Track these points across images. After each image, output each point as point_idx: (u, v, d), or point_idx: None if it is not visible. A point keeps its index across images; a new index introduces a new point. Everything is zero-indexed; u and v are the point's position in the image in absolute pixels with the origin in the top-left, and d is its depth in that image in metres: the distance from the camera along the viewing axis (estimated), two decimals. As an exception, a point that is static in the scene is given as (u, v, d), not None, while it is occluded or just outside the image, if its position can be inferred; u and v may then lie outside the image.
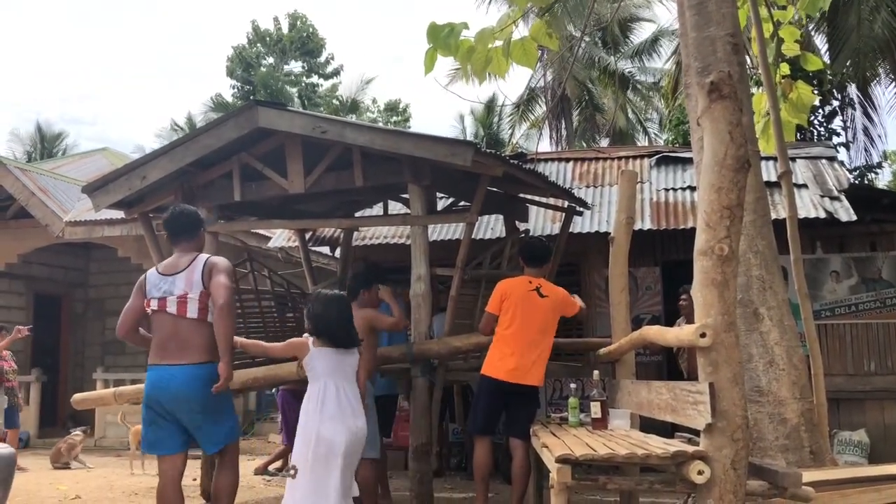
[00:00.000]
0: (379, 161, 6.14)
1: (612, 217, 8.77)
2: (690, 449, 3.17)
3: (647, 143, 23.07)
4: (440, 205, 8.00)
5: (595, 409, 4.51)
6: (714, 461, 3.11)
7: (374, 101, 31.49)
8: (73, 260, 14.32)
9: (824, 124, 17.39)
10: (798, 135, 12.33)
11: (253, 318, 7.54)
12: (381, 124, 24.54)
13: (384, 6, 63.63)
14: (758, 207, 4.97)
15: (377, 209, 9.02)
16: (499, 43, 6.08)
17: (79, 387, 13.76)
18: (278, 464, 8.56)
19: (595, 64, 23.47)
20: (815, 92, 8.33)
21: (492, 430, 5.26)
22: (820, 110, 16.77)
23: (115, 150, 17.37)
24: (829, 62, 14.91)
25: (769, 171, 8.04)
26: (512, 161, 6.68)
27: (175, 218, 4.77)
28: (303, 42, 30.15)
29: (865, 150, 18.20)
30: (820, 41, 15.75)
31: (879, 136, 18.17)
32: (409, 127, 28.60)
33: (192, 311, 4.39)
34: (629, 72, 24.55)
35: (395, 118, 30.78)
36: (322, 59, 30.83)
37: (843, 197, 8.24)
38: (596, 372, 4.74)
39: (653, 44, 23.91)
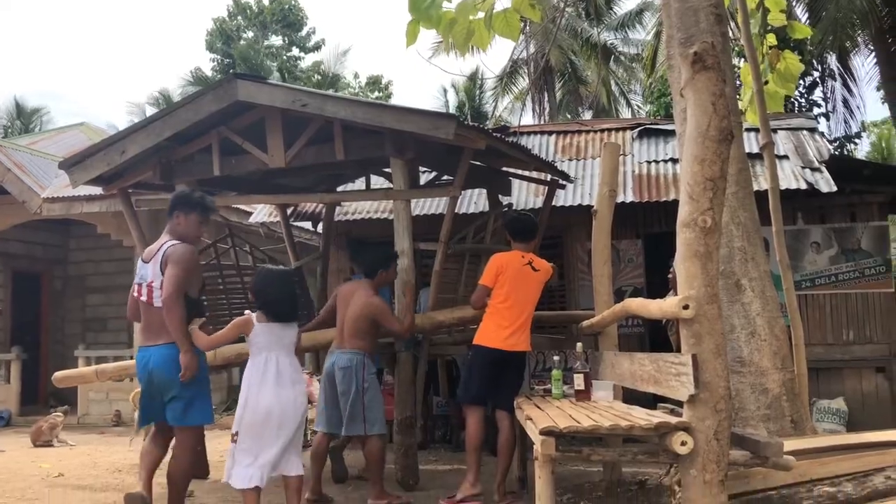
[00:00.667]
0: (360, 135, 6.08)
1: (594, 190, 8.76)
2: (673, 420, 3.19)
3: (630, 116, 23.06)
4: (423, 179, 7.96)
5: (578, 381, 4.54)
6: (697, 432, 3.14)
7: (355, 75, 31.27)
8: (52, 237, 14.15)
9: (805, 95, 17.45)
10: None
11: (236, 295, 7.50)
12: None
13: (365, -22, 62.90)
14: (740, 179, 4.98)
15: (359, 184, 8.96)
16: (481, 14, 6.01)
17: (60, 364, 13.62)
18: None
19: (578, 35, 23.35)
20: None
21: (484, 400, 5.28)
22: (801, 81, 16.82)
23: (92, 125, 17.10)
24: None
25: (751, 143, 8.06)
26: (495, 134, 6.64)
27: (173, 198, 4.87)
28: (284, 15, 29.76)
29: (845, 121, 18.33)
30: (800, 11, 15.73)
31: (858, 107, 18.30)
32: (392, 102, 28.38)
33: (157, 300, 4.51)
34: (612, 43, 24.46)
35: (376, 93, 30.55)
36: (303, 32, 30.46)
37: (823, 168, 8.28)
38: (579, 344, 4.76)
39: (637, 15, 23.81)
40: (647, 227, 8.98)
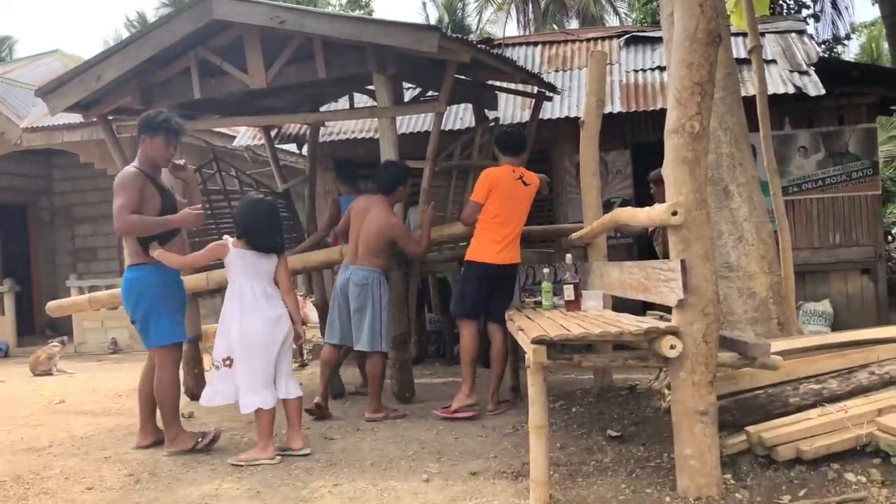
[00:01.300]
0: (342, 51, 5.95)
1: (582, 101, 8.64)
2: (662, 325, 3.24)
3: (617, 24, 22.60)
4: (407, 96, 7.84)
5: (568, 292, 4.58)
6: (685, 336, 3.20)
7: (335, -7, 30.30)
8: (35, 168, 13.97)
9: (793, -4, 17.12)
10: (769, 8, 12.10)
11: (224, 220, 7.46)
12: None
13: None
14: (728, 84, 4.92)
15: (343, 103, 8.83)
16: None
17: (53, 295, 13.68)
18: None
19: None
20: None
21: (479, 314, 5.35)
22: (789, -18, 16.48)
23: (67, 53, 16.67)
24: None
25: (738, 48, 7.93)
26: (479, 46, 6.51)
27: None
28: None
29: (833, 22, 18.02)
30: None
31: (847, 8, 17.97)
32: (372, 17, 27.64)
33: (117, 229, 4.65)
34: (597, -52, 23.80)
35: (358, 11, 29.72)
36: (279, -53, 29.35)
37: (811, 71, 8.19)
38: (569, 255, 4.78)
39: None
40: (636, 137, 8.92)
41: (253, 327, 4.37)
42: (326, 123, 9.09)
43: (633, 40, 9.71)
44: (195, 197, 4.98)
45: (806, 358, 3.85)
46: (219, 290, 7.70)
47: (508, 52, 9.75)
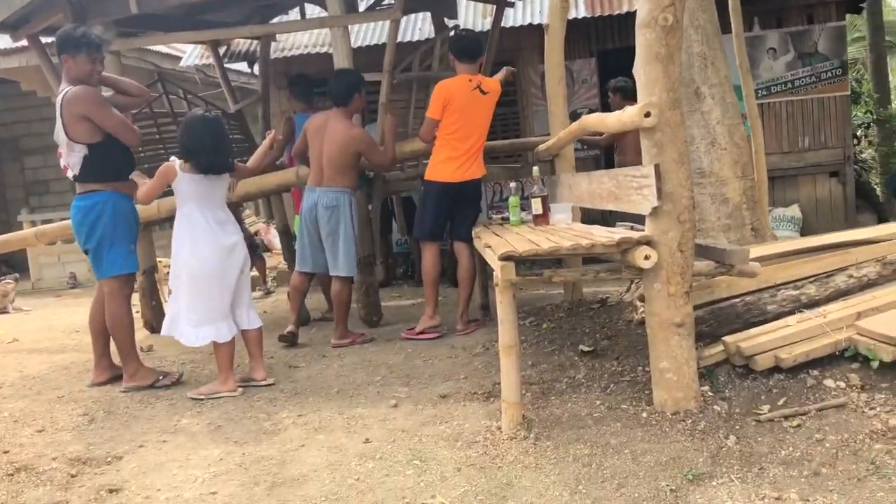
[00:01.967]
0: (288, -45, 5.53)
1: (545, 8, 8.30)
2: (636, 234, 3.07)
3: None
4: (362, 7, 7.41)
5: (536, 206, 4.39)
6: (660, 245, 3.03)
7: None
8: (-26, 99, 13.29)
9: None
10: None
11: (173, 144, 7.09)
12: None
13: None
14: (699, -22, 4.64)
15: (294, 16, 8.36)
16: None
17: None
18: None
19: None
20: None
21: (440, 234, 5.15)
22: None
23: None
24: None
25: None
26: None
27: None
28: None
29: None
30: None
31: None
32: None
33: (70, 172, 4.46)
34: None
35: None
36: None
37: (781, -33, 7.89)
38: (535, 168, 4.57)
39: None
40: (601, 44, 8.61)
41: (207, 255, 4.14)
42: (278, 38, 8.65)
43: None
44: (125, 83, 4.77)
45: (783, 264, 3.72)
46: (171, 219, 7.44)
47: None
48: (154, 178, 4.31)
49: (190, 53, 9.43)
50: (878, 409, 2.97)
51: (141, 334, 6.16)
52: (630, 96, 7.01)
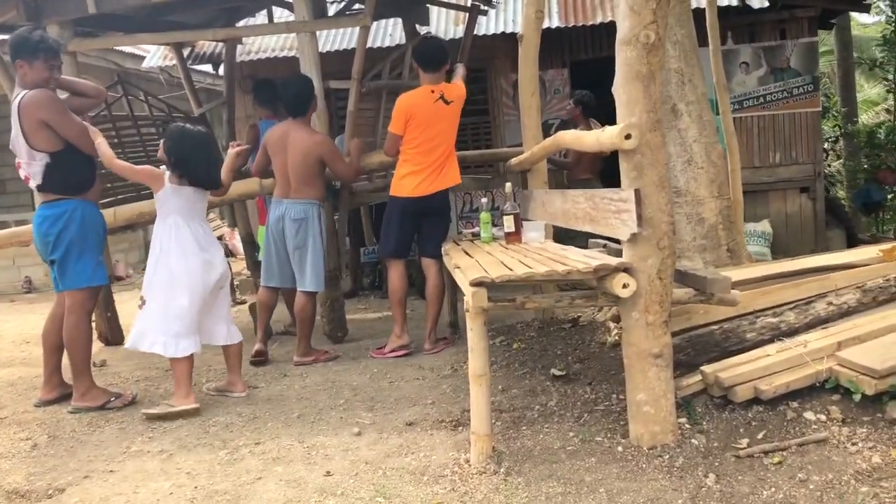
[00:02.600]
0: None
1: (519, 16, 8.19)
2: (614, 261, 2.93)
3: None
4: (332, 11, 7.22)
5: (508, 223, 4.25)
6: (638, 272, 2.90)
7: None
8: (-73, 95, 12.81)
9: None
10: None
11: (133, 148, 6.83)
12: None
13: None
14: (676, -8, 4.54)
15: (261, 18, 8.15)
16: None
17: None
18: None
19: None
20: None
21: (405, 252, 4.97)
22: None
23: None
24: None
25: (682, -43, 7.52)
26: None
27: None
28: None
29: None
30: None
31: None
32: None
33: (32, 182, 4.24)
34: None
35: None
36: None
37: (755, -18, 7.86)
38: (508, 184, 4.43)
39: None
40: (574, 55, 8.51)
41: (189, 268, 4.02)
42: (244, 41, 8.43)
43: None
44: (80, 85, 4.53)
45: (762, 289, 3.62)
46: (129, 227, 7.18)
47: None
48: (138, 169, 4.25)
49: (153, 54, 9.16)
50: (860, 444, 2.87)
51: (95, 346, 5.90)
52: (590, 111, 6.99)
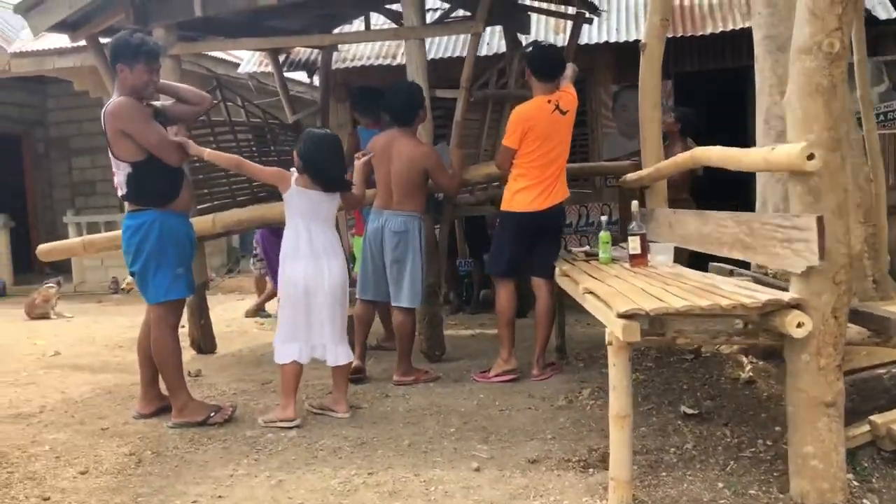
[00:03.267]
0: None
1: (622, 25, 7.90)
2: (786, 297, 2.61)
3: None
4: (429, 18, 7.04)
5: (634, 244, 3.95)
6: (812, 309, 2.57)
7: None
8: (28, 96, 13.21)
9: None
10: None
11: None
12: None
13: None
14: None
15: (357, 26, 8.04)
16: None
17: (51, 230, 13.12)
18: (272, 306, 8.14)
19: None
20: None
21: (517, 271, 4.72)
22: None
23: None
24: None
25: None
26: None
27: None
28: None
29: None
30: None
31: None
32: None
33: (119, 192, 4.15)
34: None
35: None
36: None
37: (882, -8, 7.37)
38: (635, 203, 4.12)
39: None
40: (679, 66, 8.11)
41: (302, 273, 3.98)
42: (339, 48, 8.33)
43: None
44: (184, 91, 4.43)
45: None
46: (226, 234, 7.12)
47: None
48: (266, 168, 4.28)
49: (248, 60, 9.14)
50: None
51: (188, 355, 5.83)
52: (689, 130, 6.64)
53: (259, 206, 5.73)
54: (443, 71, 7.22)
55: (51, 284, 9.06)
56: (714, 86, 8.53)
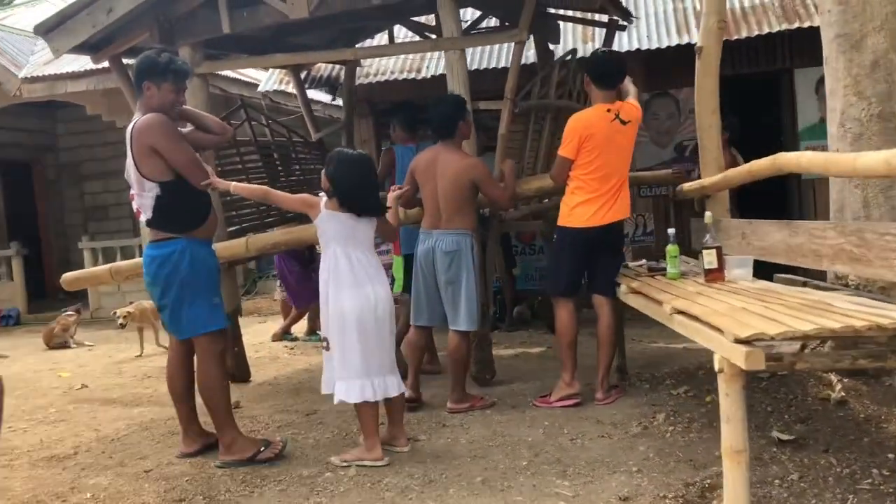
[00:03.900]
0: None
1: (652, 32, 7.68)
2: (926, 316, 2.36)
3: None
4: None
5: (710, 258, 3.69)
6: (954, 329, 2.32)
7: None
8: (38, 122, 13.03)
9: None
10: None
11: (256, 174, 6.54)
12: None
13: None
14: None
15: (377, 40, 7.83)
16: None
17: (64, 257, 12.92)
18: (299, 329, 7.91)
19: None
20: None
21: (577, 289, 4.46)
22: None
23: (63, -3, 15.49)
24: None
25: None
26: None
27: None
28: None
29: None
30: None
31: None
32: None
33: (143, 217, 3.91)
34: None
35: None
36: None
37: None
38: (708, 213, 3.88)
39: None
40: (712, 72, 7.88)
41: (349, 304, 3.67)
42: (362, 63, 8.12)
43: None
44: (207, 119, 4.19)
45: None
46: (257, 258, 6.88)
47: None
48: (292, 196, 3.98)
49: (268, 78, 8.93)
50: None
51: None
52: (734, 139, 6.44)
53: (293, 227, 5.48)
54: (480, 83, 7.00)
55: (70, 312, 8.84)
56: (749, 90, 8.31)
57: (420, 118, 5.71)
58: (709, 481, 3.01)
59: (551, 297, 4.58)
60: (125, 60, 5.73)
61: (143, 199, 3.82)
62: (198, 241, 3.89)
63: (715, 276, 3.69)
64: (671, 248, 4.02)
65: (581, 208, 4.32)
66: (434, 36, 6.71)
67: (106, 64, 5.83)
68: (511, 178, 4.74)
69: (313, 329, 7.77)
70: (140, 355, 7.40)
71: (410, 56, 8.14)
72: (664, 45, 7.36)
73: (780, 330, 2.35)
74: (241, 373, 5.76)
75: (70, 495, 3.53)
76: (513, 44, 5.15)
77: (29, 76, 10.21)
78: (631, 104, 4.45)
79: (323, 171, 3.81)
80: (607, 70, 4.42)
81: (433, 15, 6.64)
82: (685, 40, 7.32)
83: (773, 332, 2.34)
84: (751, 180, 3.96)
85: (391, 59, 8.29)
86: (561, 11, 6.86)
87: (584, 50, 7.66)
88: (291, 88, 9.07)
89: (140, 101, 3.90)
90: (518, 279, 8.09)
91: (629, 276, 4.31)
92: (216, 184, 3.90)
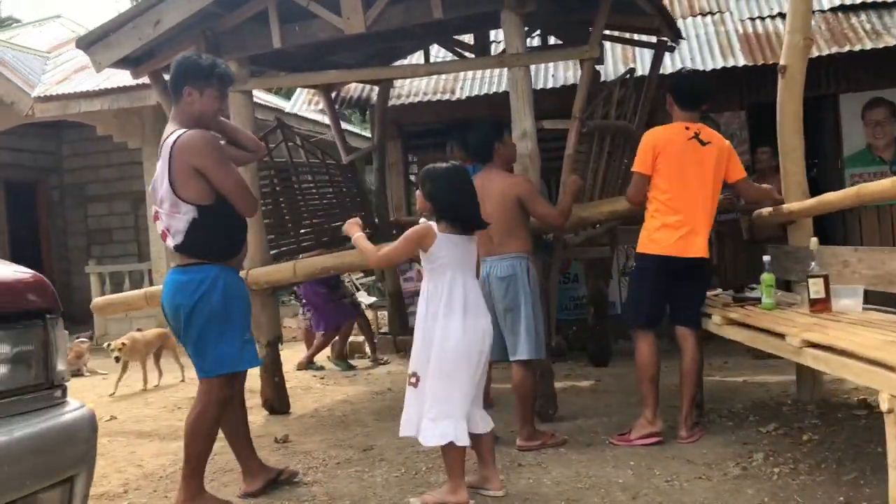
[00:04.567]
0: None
1: (695, 53, 7.54)
2: None
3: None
4: (493, 49, 6.65)
5: (816, 287, 3.48)
6: None
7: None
8: (43, 142, 12.75)
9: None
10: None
11: (292, 198, 6.30)
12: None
13: None
14: None
15: (413, 59, 7.65)
16: None
17: (66, 281, 12.56)
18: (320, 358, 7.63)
19: None
20: None
21: (658, 320, 4.19)
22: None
23: (72, 19, 15.29)
24: None
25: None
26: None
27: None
28: None
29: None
30: None
31: None
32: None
33: (171, 240, 3.46)
34: None
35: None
36: None
37: None
38: (814, 240, 3.67)
39: None
40: (752, 97, 7.75)
41: (463, 336, 3.32)
42: (394, 84, 7.93)
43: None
44: (244, 136, 3.90)
45: None
46: (299, 283, 6.59)
47: None
48: (404, 240, 3.41)
49: (297, 98, 8.72)
50: None
51: (261, 416, 5.32)
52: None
53: (343, 252, 5.21)
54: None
55: (82, 339, 8.54)
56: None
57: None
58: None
59: (630, 330, 4.33)
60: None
61: (174, 220, 3.42)
62: (230, 270, 3.55)
63: (821, 306, 3.48)
64: (766, 277, 3.81)
65: (662, 233, 4.08)
66: (471, 55, 6.54)
67: (123, 83, 5.60)
68: (570, 195, 4.48)
69: (341, 353, 7.50)
70: (145, 389, 7.07)
71: (443, 77, 7.96)
72: (708, 67, 7.22)
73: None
74: (280, 404, 5.47)
75: (132, 541, 3.23)
76: (558, 63, 4.97)
77: (42, 95, 9.94)
78: (718, 133, 4.23)
79: (417, 192, 3.52)
80: (691, 91, 4.22)
81: (471, 34, 6.52)
82: (730, 63, 7.18)
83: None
84: (839, 208, 3.75)
85: (423, 81, 8.11)
86: (606, 31, 6.70)
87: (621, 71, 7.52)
88: (310, 110, 8.89)
89: (176, 109, 3.52)
90: (553, 309, 7.84)
91: (716, 306, 4.08)
92: (349, 229, 3.60)
